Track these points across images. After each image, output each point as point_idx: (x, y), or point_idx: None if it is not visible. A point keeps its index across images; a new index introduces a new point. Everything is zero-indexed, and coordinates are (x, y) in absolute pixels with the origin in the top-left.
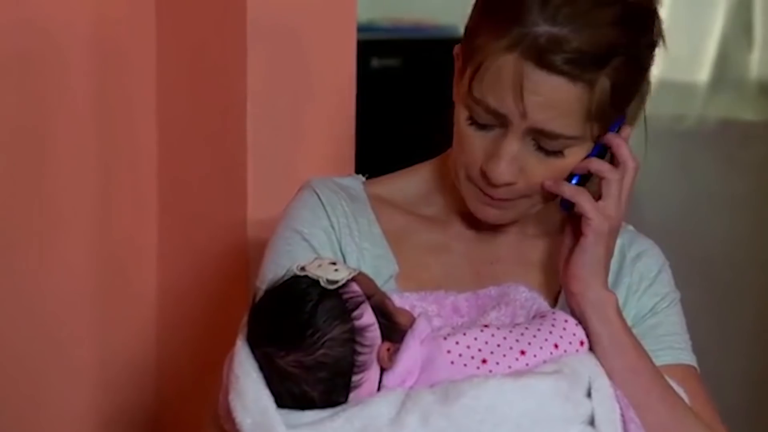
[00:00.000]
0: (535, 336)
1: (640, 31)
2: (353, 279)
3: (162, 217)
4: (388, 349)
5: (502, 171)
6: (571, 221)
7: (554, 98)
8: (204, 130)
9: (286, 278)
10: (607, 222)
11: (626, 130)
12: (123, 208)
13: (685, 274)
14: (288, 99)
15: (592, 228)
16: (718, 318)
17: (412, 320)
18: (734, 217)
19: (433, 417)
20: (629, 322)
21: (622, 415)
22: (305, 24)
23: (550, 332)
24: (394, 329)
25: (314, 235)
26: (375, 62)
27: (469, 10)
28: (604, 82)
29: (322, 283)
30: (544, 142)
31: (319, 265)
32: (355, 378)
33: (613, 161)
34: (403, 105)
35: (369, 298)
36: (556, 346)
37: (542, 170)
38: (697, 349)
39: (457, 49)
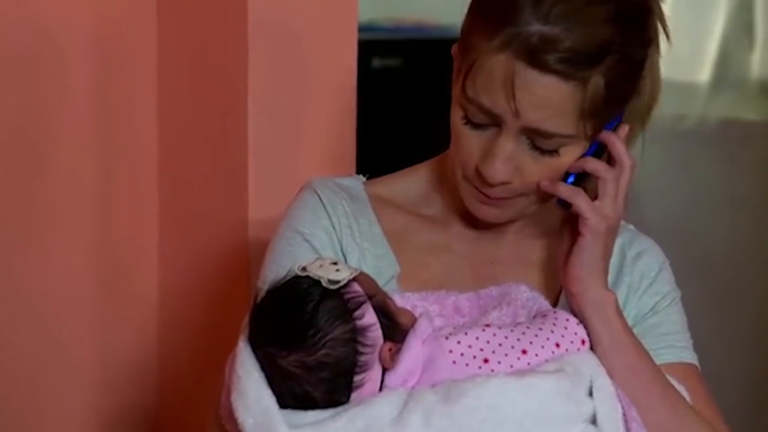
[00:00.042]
0: (536, 335)
1: (634, 28)
2: (354, 279)
3: (163, 217)
4: (390, 349)
5: (497, 170)
6: (570, 221)
7: (547, 97)
8: (205, 130)
9: (287, 278)
10: (605, 221)
11: (624, 129)
12: (124, 208)
13: (685, 274)
14: (289, 99)
15: (589, 228)
16: (719, 318)
17: (414, 320)
18: (735, 217)
19: (436, 417)
20: (630, 321)
21: (624, 414)
22: (306, 24)
23: (552, 331)
24: (396, 329)
25: (315, 235)
26: (376, 62)
27: None
28: (597, 80)
29: (324, 284)
30: (538, 141)
31: (321, 266)
32: (356, 378)
33: (610, 160)
34: (404, 105)
35: (370, 298)
36: (557, 345)
37: (537, 169)
38: (697, 349)
39: (454, 48)
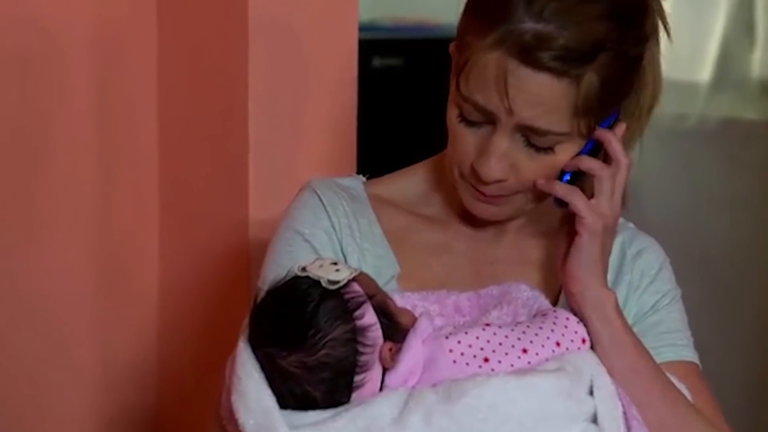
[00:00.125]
0: (536, 334)
1: (629, 25)
2: (354, 279)
3: (163, 217)
4: (390, 349)
5: (492, 168)
6: (568, 221)
7: (540, 95)
8: (205, 130)
9: (287, 279)
10: (601, 220)
11: (620, 127)
12: (124, 208)
13: (686, 273)
14: (289, 99)
15: (586, 227)
16: (719, 317)
17: (414, 320)
18: (736, 217)
19: (436, 416)
20: (630, 320)
21: (624, 413)
22: (306, 24)
23: (552, 330)
24: (396, 329)
25: (315, 235)
26: (377, 62)
27: None
28: (591, 78)
29: (324, 284)
30: (533, 138)
31: (321, 266)
32: (357, 378)
33: (606, 158)
34: (405, 105)
35: (370, 298)
36: (557, 344)
37: (533, 166)
38: (697, 349)
39: (452, 47)
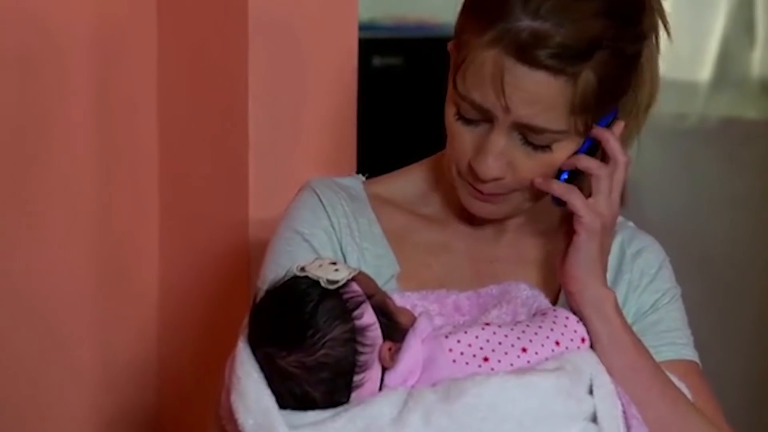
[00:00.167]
0: (536, 333)
1: (626, 23)
2: (353, 279)
3: (163, 216)
4: (390, 349)
5: (490, 166)
6: (567, 220)
7: (537, 93)
8: (205, 130)
9: (286, 279)
10: (599, 219)
11: (618, 125)
12: (124, 207)
13: (685, 273)
14: (289, 98)
15: (583, 226)
16: (719, 317)
17: (413, 319)
18: (736, 216)
19: (435, 416)
20: (630, 319)
21: (624, 412)
22: (306, 23)
23: (551, 329)
24: (395, 328)
25: (315, 235)
26: (377, 61)
27: None
28: (588, 75)
29: (323, 284)
30: (530, 136)
31: (320, 266)
32: (356, 378)
33: (604, 157)
34: (405, 104)
35: (369, 297)
36: (557, 343)
37: (530, 165)
38: (697, 349)
39: (450, 45)
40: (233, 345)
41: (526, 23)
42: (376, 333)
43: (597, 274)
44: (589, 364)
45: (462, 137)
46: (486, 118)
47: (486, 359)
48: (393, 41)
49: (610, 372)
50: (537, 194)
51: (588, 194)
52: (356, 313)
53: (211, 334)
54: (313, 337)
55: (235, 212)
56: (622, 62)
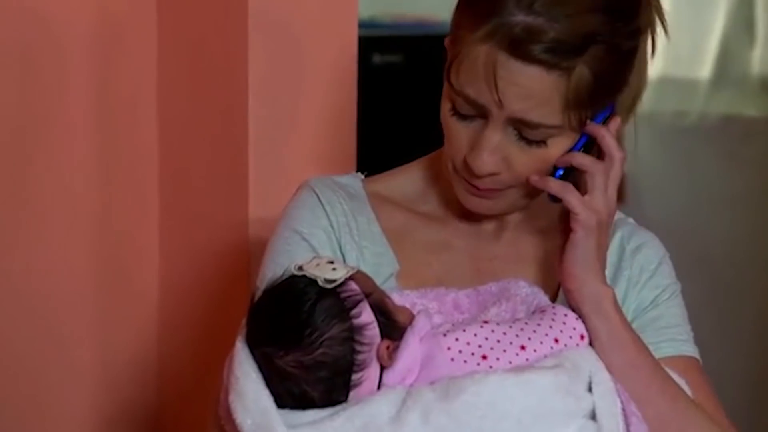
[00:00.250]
0: (535, 331)
1: (622, 18)
2: (351, 277)
3: (163, 216)
4: (388, 347)
5: (484, 161)
6: (565, 218)
7: (531, 88)
8: (205, 128)
9: (284, 278)
10: (595, 216)
11: (615, 121)
12: (124, 206)
13: (685, 271)
14: (289, 97)
15: (580, 223)
16: (719, 315)
17: (412, 318)
18: (736, 214)
19: (434, 414)
20: (630, 315)
21: (623, 409)
22: (306, 21)
23: (550, 327)
24: (394, 327)
25: (314, 234)
26: (377, 59)
27: None
28: (582, 70)
29: (320, 283)
30: (525, 131)
31: (317, 265)
32: (354, 377)
33: (600, 153)
34: (405, 102)
35: (367, 296)
36: (556, 340)
37: (525, 160)
38: (697, 345)
39: (447, 41)
40: (233, 344)
41: (520, 18)
42: (374, 331)
43: (595, 271)
44: (588, 361)
45: (457, 133)
46: (481, 113)
47: (484, 357)
48: (393, 39)
49: (610, 369)
50: (534, 191)
51: (584, 191)
52: (354, 311)
53: (211, 334)
54: (311, 336)
55: (235, 211)
56: (617, 58)
